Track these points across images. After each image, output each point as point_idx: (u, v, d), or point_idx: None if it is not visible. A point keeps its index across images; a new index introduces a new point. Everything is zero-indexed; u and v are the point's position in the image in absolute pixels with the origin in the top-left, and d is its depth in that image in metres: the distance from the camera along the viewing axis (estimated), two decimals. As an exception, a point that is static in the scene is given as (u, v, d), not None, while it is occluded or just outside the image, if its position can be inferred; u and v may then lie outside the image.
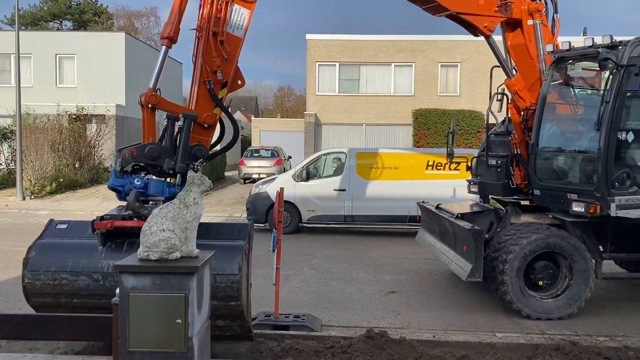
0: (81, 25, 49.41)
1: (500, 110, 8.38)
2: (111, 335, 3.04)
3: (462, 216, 7.92)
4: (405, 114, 26.98)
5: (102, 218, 5.56)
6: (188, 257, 3.01)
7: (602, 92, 6.78)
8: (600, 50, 6.54)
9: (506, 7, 7.67)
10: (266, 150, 27.51)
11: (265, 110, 72.64)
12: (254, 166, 24.75)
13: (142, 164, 5.99)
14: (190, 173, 3.08)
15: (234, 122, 6.62)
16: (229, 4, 6.35)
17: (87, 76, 27.35)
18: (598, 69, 6.70)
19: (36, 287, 5.35)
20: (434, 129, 25.29)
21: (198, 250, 3.05)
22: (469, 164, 9.44)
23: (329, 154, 14.01)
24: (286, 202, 12.78)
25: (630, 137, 6.59)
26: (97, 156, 23.86)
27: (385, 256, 10.73)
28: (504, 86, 8.26)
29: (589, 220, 6.96)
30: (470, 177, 9.13)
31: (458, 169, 12.73)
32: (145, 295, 2.81)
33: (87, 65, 27.49)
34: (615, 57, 6.43)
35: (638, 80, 6.36)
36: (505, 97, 8.32)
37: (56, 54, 27.67)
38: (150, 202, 5.92)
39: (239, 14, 6.46)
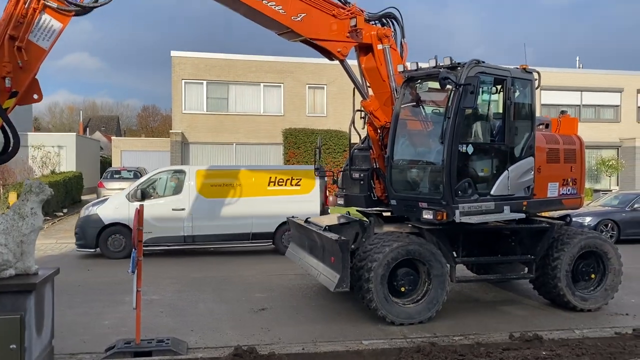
0: None
1: (364, 128, 8.78)
2: None
3: (330, 228, 8.08)
4: (276, 133, 27.23)
5: None
6: (25, 274, 2.66)
7: (445, 108, 7.38)
8: (439, 70, 7.15)
9: (357, 33, 8.08)
10: (128, 171, 26.10)
11: (128, 131, 69.09)
12: (114, 188, 23.21)
13: None
14: (27, 181, 2.74)
15: (15, 135, 6.07)
16: (38, 11, 5.94)
17: None
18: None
19: None
20: (303, 147, 25.82)
21: (37, 266, 2.71)
22: (335, 177, 9.71)
23: (166, 172, 13.33)
24: (119, 224, 12.27)
25: (470, 149, 7.25)
26: None
27: (255, 274, 10.59)
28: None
29: (443, 227, 7.48)
30: (336, 191, 9.38)
31: (299, 185, 13.14)
32: (-31, 320, 2.42)
33: None
34: (455, 77, 7.05)
35: (473, 97, 7.02)
36: (366, 115, 8.72)
37: None
38: None
39: (48, 25, 6.06)
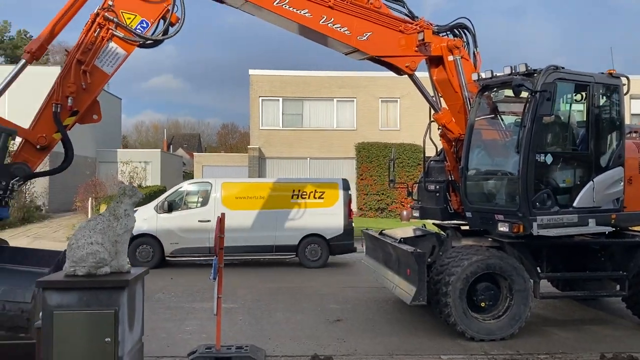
0: (14, 60, 47.69)
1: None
2: (33, 364, 2.79)
3: (405, 240, 7.98)
4: (349, 148, 27.36)
5: None
6: (119, 272, 2.83)
7: (521, 117, 7.12)
8: (513, 77, 6.92)
9: (425, 46, 8.01)
10: (210, 185, 27.06)
11: (208, 148, 71.86)
12: (196, 202, 24.18)
13: None
14: (121, 184, 2.93)
15: (70, 150, 6.48)
16: (106, 39, 6.39)
17: (18, 111, 26.21)
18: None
19: None
20: (376, 161, 25.76)
21: (130, 265, 2.87)
22: (410, 189, 9.60)
23: (193, 184, 13.67)
24: (148, 235, 12.56)
25: (549, 158, 6.92)
26: (28, 194, 22.68)
27: (329, 286, 10.62)
28: None
29: (526, 241, 7.18)
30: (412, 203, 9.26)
31: (323, 198, 13.04)
32: (72, 312, 2.61)
33: (20, 99, 26.42)
34: (531, 84, 6.80)
35: (550, 104, 6.74)
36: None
37: None
38: None
39: (114, 52, 6.52)
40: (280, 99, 28.17)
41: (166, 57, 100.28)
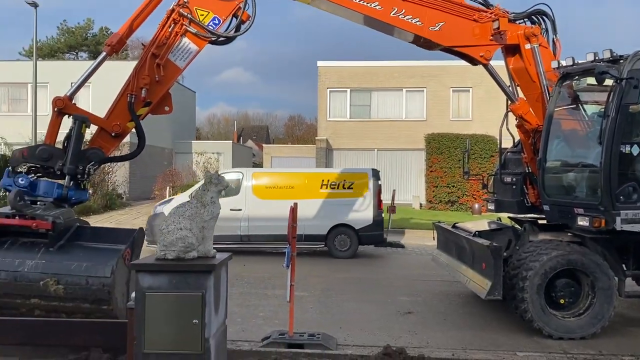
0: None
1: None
2: (126, 342, 2.96)
3: (480, 234, 7.79)
4: (418, 139, 26.92)
5: None
6: (205, 256, 2.95)
7: (605, 106, 6.74)
8: (596, 64, 6.53)
9: (500, 35, 7.71)
10: (279, 176, 27.54)
11: (276, 139, 73.10)
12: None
13: (38, 165, 6.15)
14: (207, 172, 3.04)
15: (142, 138, 6.72)
16: (179, 34, 6.60)
17: (101, 104, 27.76)
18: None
19: None
20: (447, 153, 25.17)
21: (215, 251, 2.98)
22: (485, 182, 9.33)
23: (225, 174, 13.84)
24: None
25: (636, 150, 6.51)
26: (110, 182, 24.00)
27: (399, 278, 10.55)
28: None
29: (610, 236, 6.82)
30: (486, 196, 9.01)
31: (352, 188, 12.84)
32: (162, 294, 2.74)
33: (102, 94, 27.96)
34: (616, 71, 6.40)
35: (637, 92, 6.32)
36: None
37: (72, 83, 28.14)
38: (39, 203, 6.00)
39: (186, 47, 6.74)
40: (348, 90, 28.12)
41: (237, 51, 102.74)
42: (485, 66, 8.02)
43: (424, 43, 7.92)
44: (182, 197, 13.53)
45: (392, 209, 15.71)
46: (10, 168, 6.14)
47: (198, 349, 2.74)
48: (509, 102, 8.19)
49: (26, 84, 27.97)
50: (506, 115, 8.38)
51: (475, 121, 27.17)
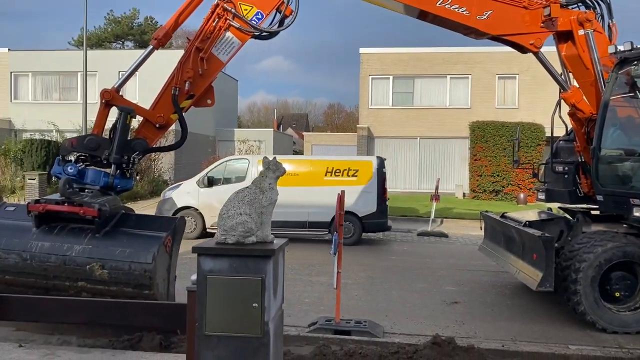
0: (142, 45, 51.51)
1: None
2: (184, 324, 3.03)
3: (530, 224, 7.60)
4: (461, 127, 26.43)
5: (37, 201, 5.87)
6: (263, 241, 2.98)
7: None
8: None
9: (552, 21, 7.42)
10: (319, 164, 27.59)
11: (315, 128, 73.22)
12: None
13: (86, 154, 6.32)
14: (265, 158, 3.07)
15: (185, 129, 6.82)
16: (223, 29, 6.63)
17: (146, 92, 28.39)
18: None
19: None
20: (492, 141, 24.60)
21: (273, 236, 3.01)
22: (535, 171, 9.09)
23: (232, 160, 14.11)
24: (190, 207, 13.15)
25: None
26: (156, 169, 24.59)
27: (443, 267, 10.44)
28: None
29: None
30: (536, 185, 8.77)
31: (356, 175, 12.79)
32: (223, 278, 2.79)
33: (148, 82, 28.59)
34: None
35: None
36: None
37: (119, 72, 28.90)
38: (87, 190, 6.14)
39: (230, 42, 6.78)
40: (391, 77, 27.81)
41: (277, 39, 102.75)
42: (536, 54, 7.77)
43: (471, 32, 7.72)
44: (190, 183, 13.88)
45: (436, 197, 15.54)
46: (60, 157, 6.38)
47: (258, 332, 2.78)
48: (561, 90, 7.92)
49: (76, 72, 28.89)
50: (558, 103, 8.12)
51: (522, 109, 26.47)
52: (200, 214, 13.28)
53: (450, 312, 7.41)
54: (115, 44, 53.07)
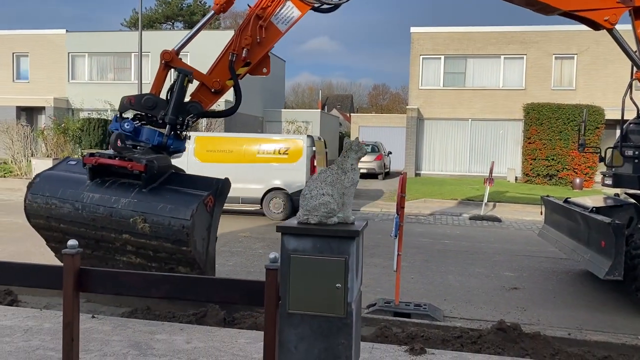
0: (191, 25, 52.13)
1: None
2: (262, 301, 3.06)
3: (597, 210, 7.33)
4: (515, 109, 25.68)
5: (92, 155, 5.99)
6: (345, 222, 2.96)
7: None
8: None
9: None
10: (366, 145, 27.43)
11: (360, 109, 72.75)
12: (355, 161, 24.74)
13: (143, 113, 6.37)
14: (347, 140, 3.04)
15: (239, 96, 6.83)
16: None
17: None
18: None
19: (33, 209, 6.04)
20: (547, 124, 23.80)
21: (354, 217, 2.99)
22: (603, 154, 8.72)
23: None
24: None
25: None
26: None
27: (500, 252, 10.23)
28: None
29: None
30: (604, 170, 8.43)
31: (287, 154, 13.20)
32: (306, 257, 2.80)
33: (200, 62, 28.98)
34: None
35: None
36: None
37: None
38: (139, 147, 6.20)
39: (289, 11, 6.70)
40: (442, 57, 27.19)
41: (322, 18, 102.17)
42: (610, 31, 7.38)
43: (541, 9, 7.40)
44: None
45: (490, 181, 15.20)
46: (118, 114, 6.55)
47: (341, 312, 2.78)
48: (635, 69, 7.52)
49: (130, 53, 29.58)
50: (631, 84, 7.73)
51: (580, 90, 25.45)
52: None
53: (511, 298, 7.27)
54: (165, 24, 53.96)
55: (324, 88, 77.14)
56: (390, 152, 28.55)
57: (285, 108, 53.32)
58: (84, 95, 29.77)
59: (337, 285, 2.75)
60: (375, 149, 26.42)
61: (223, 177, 6.29)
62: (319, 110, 38.90)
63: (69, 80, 31.36)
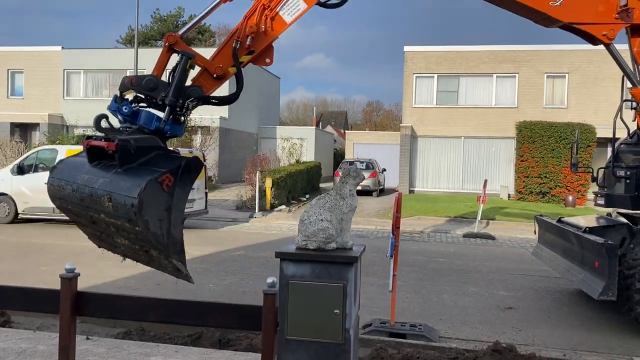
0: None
1: (634, 120, 7.81)
2: (259, 326, 3.07)
3: (591, 230, 7.39)
4: (508, 127, 25.90)
5: (88, 137, 5.97)
6: (343, 247, 2.99)
7: None
8: None
9: (627, 13, 7.14)
10: (361, 162, 27.52)
11: (354, 125, 73.11)
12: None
13: (144, 94, 6.37)
14: (346, 167, 3.08)
15: (241, 83, 6.83)
16: None
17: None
18: None
19: (52, 191, 6.03)
20: (539, 142, 24.01)
21: (352, 242, 3.02)
22: (595, 174, 8.81)
23: (42, 150, 14.93)
24: (3, 194, 14.25)
25: None
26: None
27: (495, 271, 10.26)
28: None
29: None
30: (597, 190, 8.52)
31: None
32: (305, 283, 2.82)
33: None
34: None
35: None
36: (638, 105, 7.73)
37: (166, 70, 29.48)
38: (128, 129, 6.16)
39: (295, 4, 6.73)
40: (435, 75, 27.45)
41: (318, 35, 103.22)
42: (607, 46, 7.52)
43: (542, 19, 7.53)
44: (5, 171, 14.70)
45: (483, 198, 15.29)
46: (118, 94, 6.53)
47: (339, 338, 2.79)
48: (631, 86, 7.64)
49: (125, 70, 29.65)
50: (621, 107, 7.86)
51: (571, 109, 25.73)
52: (13, 199, 14.35)
53: (506, 318, 7.28)
54: (160, 41, 54.26)
55: (318, 104, 77.56)
56: (384, 169, 28.65)
57: (280, 124, 53.59)
58: (79, 112, 29.77)
59: (335, 311, 2.77)
60: (369, 166, 26.50)
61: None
62: (314, 127, 39.04)
63: (64, 97, 31.39)
